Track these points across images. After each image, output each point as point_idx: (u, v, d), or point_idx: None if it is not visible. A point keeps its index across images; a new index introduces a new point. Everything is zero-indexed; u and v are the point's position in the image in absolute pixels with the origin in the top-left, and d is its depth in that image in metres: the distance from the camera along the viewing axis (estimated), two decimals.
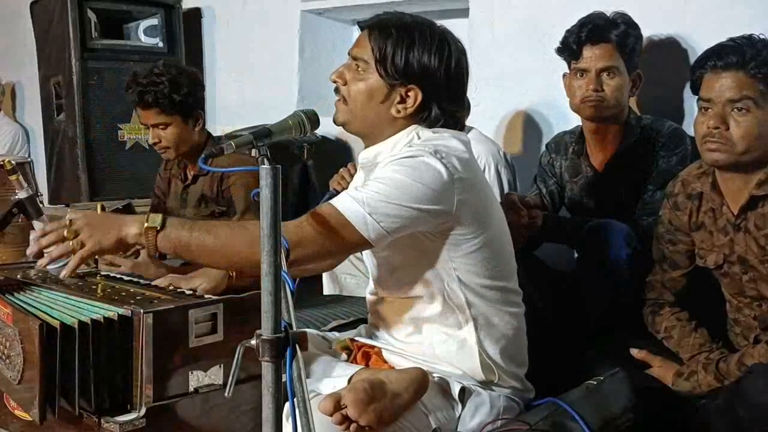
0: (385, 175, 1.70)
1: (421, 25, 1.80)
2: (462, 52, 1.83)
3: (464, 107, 1.89)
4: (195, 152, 2.87)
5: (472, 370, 1.80)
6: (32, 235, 2.16)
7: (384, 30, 1.79)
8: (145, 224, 1.63)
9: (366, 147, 1.87)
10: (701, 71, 1.95)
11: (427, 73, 1.77)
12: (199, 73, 3.04)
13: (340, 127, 1.85)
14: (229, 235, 1.66)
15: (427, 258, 1.77)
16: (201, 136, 2.92)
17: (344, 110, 1.82)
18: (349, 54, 1.85)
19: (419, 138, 1.78)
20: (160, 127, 2.82)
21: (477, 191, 1.78)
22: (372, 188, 1.68)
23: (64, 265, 2.04)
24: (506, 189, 2.85)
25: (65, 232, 1.66)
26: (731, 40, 1.94)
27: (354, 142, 3.62)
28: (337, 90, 1.83)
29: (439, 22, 1.85)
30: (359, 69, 1.80)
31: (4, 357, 1.85)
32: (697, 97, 1.99)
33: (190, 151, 2.88)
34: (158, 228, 1.62)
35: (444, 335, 1.82)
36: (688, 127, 2.35)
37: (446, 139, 1.77)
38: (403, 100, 1.79)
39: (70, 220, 1.68)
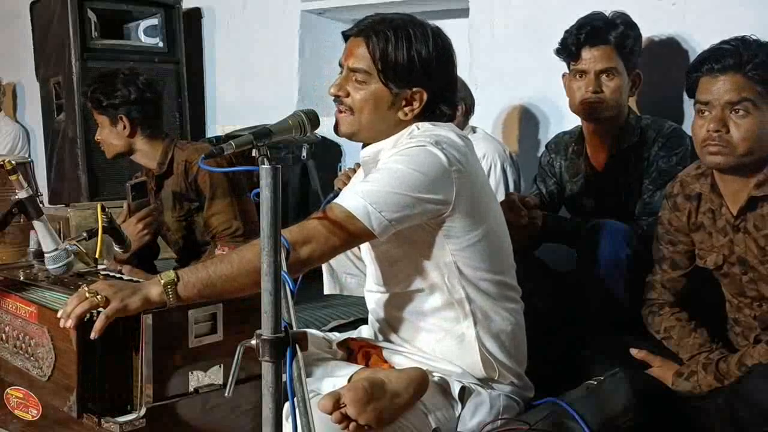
0: (385, 167, 1.72)
1: (408, 21, 1.81)
2: (448, 41, 1.84)
3: (456, 95, 1.90)
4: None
5: (472, 366, 1.81)
6: (32, 235, 2.16)
7: (380, 34, 1.77)
8: (162, 281, 1.63)
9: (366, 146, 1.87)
10: (697, 74, 1.94)
11: (428, 69, 1.78)
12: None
13: (345, 137, 1.85)
14: (239, 255, 1.66)
15: (426, 250, 1.78)
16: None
17: (351, 121, 1.82)
18: (342, 64, 1.84)
19: (419, 129, 1.80)
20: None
21: (475, 184, 1.79)
22: (371, 180, 1.71)
23: (65, 265, 2.06)
24: (512, 188, 2.87)
25: (86, 294, 1.65)
26: (726, 42, 1.93)
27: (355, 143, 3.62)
28: (338, 101, 1.83)
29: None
30: (359, 79, 1.79)
31: (27, 355, 1.88)
32: (693, 100, 1.98)
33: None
34: (175, 280, 1.63)
35: (443, 331, 1.83)
36: (688, 128, 2.35)
37: (446, 131, 1.79)
38: (409, 103, 1.80)
39: (89, 288, 1.67)
